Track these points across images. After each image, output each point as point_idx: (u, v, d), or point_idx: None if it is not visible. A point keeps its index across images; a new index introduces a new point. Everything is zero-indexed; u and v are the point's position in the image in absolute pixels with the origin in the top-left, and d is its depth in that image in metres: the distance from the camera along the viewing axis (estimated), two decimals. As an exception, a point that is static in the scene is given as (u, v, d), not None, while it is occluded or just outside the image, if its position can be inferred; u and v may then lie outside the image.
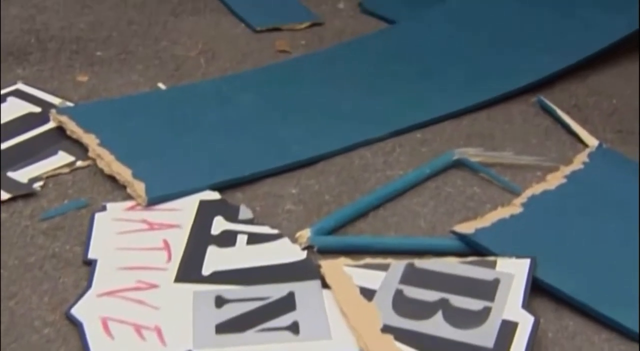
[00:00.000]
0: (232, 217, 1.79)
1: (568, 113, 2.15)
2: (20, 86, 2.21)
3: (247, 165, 1.93)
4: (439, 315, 1.50)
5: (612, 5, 2.43)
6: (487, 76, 2.26)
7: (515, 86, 2.21)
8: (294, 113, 2.13)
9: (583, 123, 2.11)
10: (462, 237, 1.67)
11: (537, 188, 1.81)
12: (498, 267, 1.60)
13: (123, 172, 1.87)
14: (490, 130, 2.11)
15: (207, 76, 2.35)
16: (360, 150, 2.03)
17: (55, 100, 2.16)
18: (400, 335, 1.45)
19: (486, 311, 1.50)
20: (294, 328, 1.51)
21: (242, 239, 1.73)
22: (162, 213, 1.80)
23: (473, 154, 1.97)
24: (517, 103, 2.22)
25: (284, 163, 1.95)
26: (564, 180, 1.82)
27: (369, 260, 1.64)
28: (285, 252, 1.70)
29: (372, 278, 1.57)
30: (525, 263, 1.60)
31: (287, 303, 1.56)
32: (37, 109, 2.12)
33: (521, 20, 2.45)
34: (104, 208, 1.80)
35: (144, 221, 1.77)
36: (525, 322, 1.48)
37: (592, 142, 1.99)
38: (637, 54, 2.36)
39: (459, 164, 1.97)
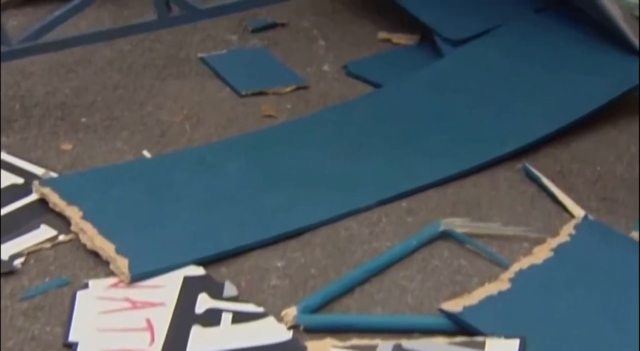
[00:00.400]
0: (216, 294, 1.74)
1: (553, 180, 2.13)
2: (4, 156, 2.17)
3: (232, 237, 1.89)
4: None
5: (594, 69, 2.42)
6: (472, 142, 2.24)
7: (500, 152, 2.18)
8: (280, 182, 2.09)
9: (568, 190, 2.09)
10: (450, 316, 1.63)
11: (524, 262, 1.77)
12: (487, 348, 1.55)
13: (106, 247, 1.82)
14: (477, 198, 2.08)
15: (193, 142, 2.32)
16: (346, 220, 2.00)
17: (39, 171, 2.12)
18: None
19: (476, 395, 1.46)
20: None
21: (226, 318, 1.68)
22: (146, 290, 1.75)
23: (459, 225, 1.94)
24: (502, 170, 2.19)
25: (270, 236, 1.91)
26: (550, 254, 1.79)
27: (355, 341, 1.59)
28: (271, 331, 1.65)
29: (360, 361, 1.53)
30: (515, 343, 1.55)
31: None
32: (20, 180, 2.07)
33: (505, 84, 2.44)
34: (86, 286, 1.75)
35: (127, 299, 1.72)
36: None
37: (578, 212, 1.97)
38: (617, 119, 2.35)
39: (446, 235, 1.94)
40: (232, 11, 2.23)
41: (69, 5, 2.45)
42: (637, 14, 2.92)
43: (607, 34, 2.48)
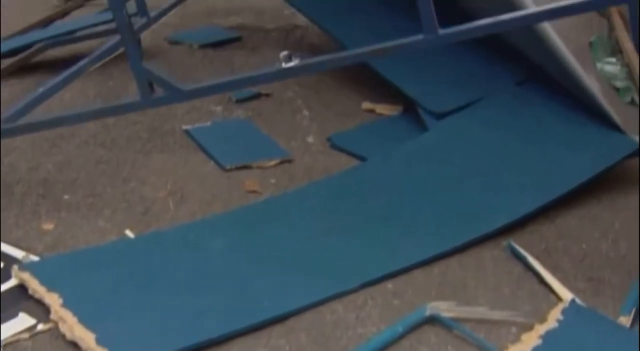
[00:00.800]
0: (198, 386, 1.68)
1: (538, 258, 2.09)
2: (-17, 238, 2.12)
3: (216, 325, 1.82)
4: None
5: (576, 144, 2.41)
6: (457, 219, 2.20)
7: (486, 230, 2.14)
8: (264, 264, 2.04)
9: (554, 270, 2.05)
10: (438, 411, 1.58)
11: (512, 351, 1.73)
12: None
13: (86, 338, 1.75)
14: (463, 279, 2.03)
15: (176, 220, 2.27)
16: (331, 304, 1.94)
17: (19, 254, 2.06)
18: None
19: None
20: None
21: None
22: (126, 383, 1.68)
23: (446, 309, 1.89)
24: (488, 248, 2.15)
25: (254, 322, 1.85)
26: (539, 341, 1.74)
27: None
28: None
29: None
30: None
31: None
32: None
33: (489, 158, 2.41)
34: (64, 380, 1.69)
35: (107, 394, 1.65)
36: None
37: (565, 294, 1.93)
38: (600, 194, 2.33)
39: (433, 320, 1.88)
40: (215, 92, 2.21)
41: (54, 81, 2.42)
42: (617, 84, 2.95)
43: (588, 108, 2.47)
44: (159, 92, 2.08)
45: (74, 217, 2.26)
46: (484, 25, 1.92)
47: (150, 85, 2.08)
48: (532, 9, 1.94)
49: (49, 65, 3.24)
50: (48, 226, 2.21)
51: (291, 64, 2.00)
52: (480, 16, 1.99)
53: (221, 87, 2.10)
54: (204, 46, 3.43)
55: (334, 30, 3.07)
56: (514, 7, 2.20)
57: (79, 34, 3.17)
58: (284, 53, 2.03)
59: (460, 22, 2.03)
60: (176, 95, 2.05)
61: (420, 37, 1.95)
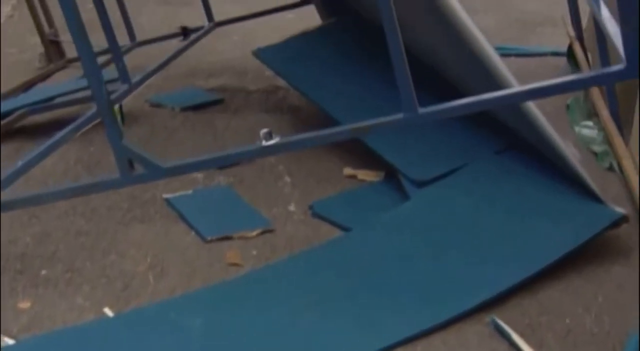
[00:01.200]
0: None
1: (522, 334, 2.04)
2: (-43, 320, 2.04)
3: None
4: None
5: (557, 214, 2.37)
6: (440, 294, 2.15)
7: (469, 306, 2.10)
8: (243, 345, 1.98)
9: (538, 347, 2.00)
10: None
11: None
12: None
13: None
14: (446, 358, 1.99)
15: (156, 295, 2.21)
16: (313, 387, 1.90)
17: (-6, 336, 1.99)
18: None
19: None
20: None
21: None
22: None
23: (430, 392, 1.84)
24: (470, 324, 2.10)
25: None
26: None
27: None
28: None
29: None
30: None
31: None
32: (-26, 348, 1.95)
33: (470, 229, 2.37)
34: None
35: None
36: None
37: (550, 376, 1.89)
38: (581, 267, 2.29)
39: (416, 403, 1.84)
40: (195, 169, 2.18)
41: (33, 154, 2.37)
42: (594, 149, 2.94)
43: (569, 177, 2.45)
44: (139, 168, 2.04)
45: (51, 294, 2.19)
46: (464, 105, 1.90)
47: (130, 162, 2.04)
48: (513, 89, 1.93)
49: (30, 130, 3.20)
50: (24, 304, 2.13)
51: (271, 142, 1.97)
52: (465, 89, 1.99)
53: (201, 164, 2.07)
54: (185, 109, 3.41)
55: (312, 94, 3.06)
56: (497, 82, 2.20)
57: (59, 100, 3.14)
58: (264, 130, 2.00)
59: (447, 94, 2.01)
60: (156, 172, 2.01)
61: (400, 115, 1.93)
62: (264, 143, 1.98)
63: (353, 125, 1.95)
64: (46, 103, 3.10)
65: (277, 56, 3.25)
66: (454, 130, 2.71)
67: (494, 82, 2.29)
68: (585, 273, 2.28)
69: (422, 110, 1.91)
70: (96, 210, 2.61)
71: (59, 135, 2.47)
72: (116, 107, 3.12)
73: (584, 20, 3.57)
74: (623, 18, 1.74)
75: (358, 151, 2.90)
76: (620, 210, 2.33)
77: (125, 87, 2.89)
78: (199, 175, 2.85)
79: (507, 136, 2.68)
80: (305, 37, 3.33)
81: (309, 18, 3.89)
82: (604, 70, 2.11)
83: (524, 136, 2.58)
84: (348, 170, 2.88)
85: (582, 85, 2.26)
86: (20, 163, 2.34)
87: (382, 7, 1.86)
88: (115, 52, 2.87)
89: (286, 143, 1.98)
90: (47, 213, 2.57)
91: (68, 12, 2.02)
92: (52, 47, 3.82)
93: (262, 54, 3.26)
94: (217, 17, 3.86)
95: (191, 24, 3.95)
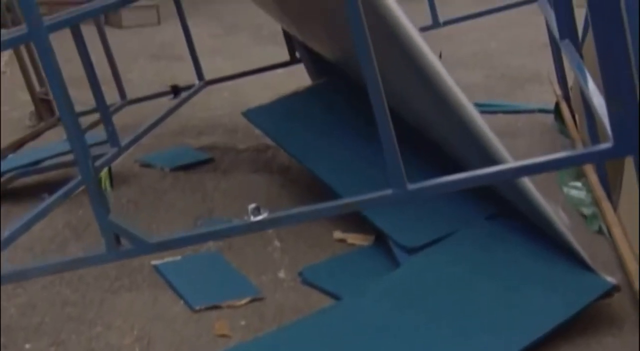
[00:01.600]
0: None
1: (515, 411, 2.00)
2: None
3: None
4: None
5: (548, 284, 2.32)
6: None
7: (460, 381, 2.06)
8: None
9: None
10: None
11: None
12: None
13: None
14: None
15: (142, 370, 2.16)
16: None
17: None
18: None
19: None
20: None
21: None
22: None
23: None
24: (463, 399, 2.06)
25: None
26: None
27: None
28: None
29: None
30: None
31: None
32: None
33: (462, 299, 2.31)
34: None
35: None
36: None
37: None
38: (574, 337, 2.24)
39: None
40: (182, 245, 2.14)
41: (20, 223, 2.32)
42: (583, 211, 2.91)
43: (559, 245, 2.42)
44: (126, 244, 2.00)
45: (35, 371, 2.13)
46: (454, 181, 1.87)
47: (117, 237, 1.99)
48: (504, 165, 1.90)
49: (18, 192, 3.16)
50: (7, 383, 2.08)
51: (259, 218, 1.93)
52: (461, 162, 1.95)
53: (188, 240, 2.03)
54: (175, 169, 3.37)
55: (301, 157, 3.04)
56: (491, 157, 2.18)
57: (48, 162, 3.10)
58: (252, 206, 1.96)
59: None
60: (143, 247, 1.97)
61: (389, 191, 1.90)
62: (252, 218, 1.94)
63: (342, 201, 1.92)
64: (35, 167, 3.06)
65: (267, 117, 3.23)
66: (443, 196, 2.67)
67: (482, 151, 2.26)
68: (577, 344, 2.22)
69: (411, 187, 1.88)
70: (83, 278, 2.54)
71: (46, 202, 2.42)
72: (105, 170, 3.08)
73: (570, 77, 3.56)
74: (608, 97, 1.72)
75: (348, 214, 2.86)
76: (611, 279, 2.29)
77: (114, 150, 2.85)
78: (188, 240, 2.80)
79: (498, 202, 2.64)
80: (295, 98, 3.31)
81: (299, 74, 3.89)
82: (593, 148, 2.09)
83: (514, 202, 2.55)
84: (338, 234, 2.83)
85: (572, 162, 2.24)
86: (7, 233, 2.29)
87: (369, 82, 1.84)
88: (105, 114, 2.85)
89: (274, 219, 1.94)
90: (33, 282, 2.50)
91: (55, 88, 2.00)
92: (43, 105, 3.80)
93: (251, 115, 3.24)
94: (208, 73, 3.84)
95: (182, 79, 3.95)
